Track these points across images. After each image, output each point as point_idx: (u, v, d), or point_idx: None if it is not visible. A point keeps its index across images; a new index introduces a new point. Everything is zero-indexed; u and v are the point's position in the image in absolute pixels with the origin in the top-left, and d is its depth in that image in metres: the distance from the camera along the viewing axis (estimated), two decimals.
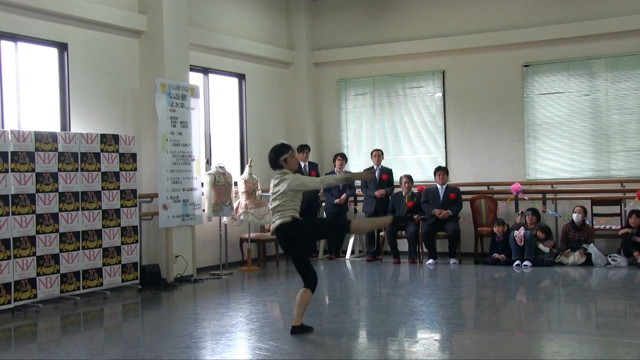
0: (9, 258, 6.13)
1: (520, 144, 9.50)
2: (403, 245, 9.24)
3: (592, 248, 8.31)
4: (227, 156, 9.47)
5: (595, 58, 9.12)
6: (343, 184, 5.12)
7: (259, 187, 9.03)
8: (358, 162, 10.38)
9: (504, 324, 5.61)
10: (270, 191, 5.07)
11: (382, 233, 9.34)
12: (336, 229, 5.64)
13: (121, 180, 7.22)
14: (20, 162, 6.26)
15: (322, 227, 5.45)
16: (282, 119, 10.53)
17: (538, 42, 9.38)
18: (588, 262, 8.26)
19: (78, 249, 6.78)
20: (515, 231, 8.53)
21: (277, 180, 5.03)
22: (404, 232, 9.08)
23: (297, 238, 4.95)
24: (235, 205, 8.64)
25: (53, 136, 6.59)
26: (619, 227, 8.58)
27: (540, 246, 8.46)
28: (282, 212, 4.94)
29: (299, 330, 5.01)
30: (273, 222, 4.99)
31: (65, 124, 7.26)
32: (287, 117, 10.59)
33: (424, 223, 8.96)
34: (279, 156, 5.02)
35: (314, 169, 9.56)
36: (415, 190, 9.36)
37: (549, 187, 9.21)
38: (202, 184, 8.28)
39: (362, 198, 9.72)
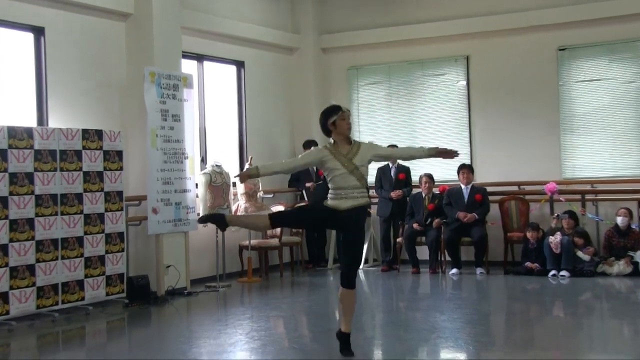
0: None
1: (555, 138, 9.46)
2: (423, 253, 9.21)
3: (639, 256, 8.23)
4: (225, 153, 9.46)
5: None
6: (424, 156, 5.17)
7: (260, 188, 9.05)
8: None
9: (539, 342, 5.57)
10: (330, 164, 4.79)
11: (399, 239, 9.30)
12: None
13: (105, 181, 7.23)
14: None
15: (356, 257, 5.06)
16: (285, 112, 10.53)
17: (575, 23, 9.34)
18: (635, 273, 8.19)
19: (57, 258, 6.77)
20: (551, 237, 8.50)
21: (339, 153, 4.79)
22: (423, 238, 9.08)
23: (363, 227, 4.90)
24: (233, 208, 8.66)
25: (28, 132, 6.58)
26: None
27: (579, 254, 8.42)
28: (360, 190, 4.80)
29: (347, 339, 4.97)
30: (351, 199, 4.76)
31: (42, 118, 7.26)
32: (291, 109, 10.59)
33: (446, 228, 8.95)
34: (327, 118, 4.86)
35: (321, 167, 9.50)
36: (436, 191, 9.35)
37: (588, 187, 9.16)
38: (197, 184, 8.29)
39: (375, 200, 9.68)
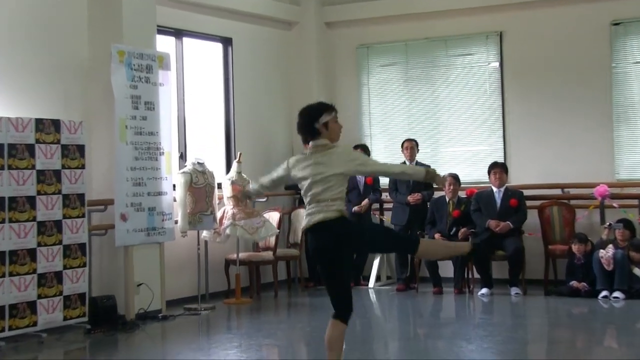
0: None
1: (607, 131, 9.43)
2: (446, 269, 9.19)
3: None
4: (208, 149, 9.48)
5: None
6: (421, 180, 5.10)
7: None
8: (384, 156, 10.36)
9: None
10: (297, 173, 4.80)
11: None
12: (401, 245, 5.31)
13: (64, 181, 7.20)
14: None
15: (385, 237, 5.04)
16: (282, 99, 10.52)
17: None
18: None
19: (3, 275, 6.73)
20: (601, 250, 8.45)
21: (311, 158, 4.76)
22: None
23: (344, 243, 4.67)
24: (219, 214, 8.67)
25: None
26: None
27: (636, 271, 8.38)
28: (324, 203, 4.68)
29: None
30: (308, 216, 4.74)
31: None
32: (289, 96, 10.58)
33: (474, 239, 8.92)
34: (315, 118, 4.75)
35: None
36: (462, 194, 9.34)
37: None
38: (175, 186, 8.30)
39: (389, 205, 9.64)
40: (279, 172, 4.98)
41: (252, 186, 5.37)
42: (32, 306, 6.90)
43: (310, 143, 4.79)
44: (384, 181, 9.74)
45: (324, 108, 4.81)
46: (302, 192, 4.84)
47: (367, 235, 4.90)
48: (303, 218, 4.97)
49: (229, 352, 6.38)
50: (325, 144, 4.75)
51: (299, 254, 9.64)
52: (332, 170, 4.69)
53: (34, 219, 6.93)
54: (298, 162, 4.82)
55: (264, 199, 9.42)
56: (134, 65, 7.78)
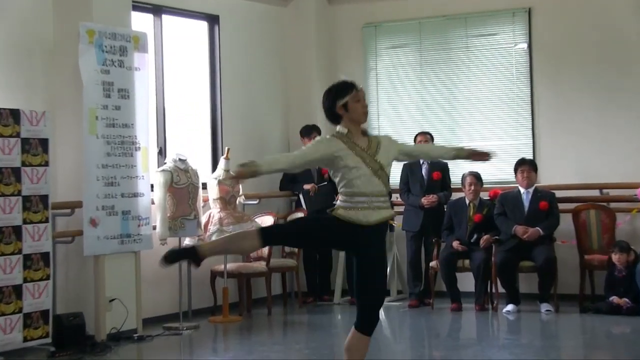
0: None
1: None
2: (466, 282, 9.20)
3: None
4: (192, 143, 9.49)
5: None
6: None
7: (240, 192, 9.05)
8: None
9: None
10: (345, 161, 4.86)
11: (433, 263, 9.31)
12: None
13: (24, 180, 7.17)
14: None
15: (378, 289, 5.08)
16: (277, 86, 10.53)
17: None
18: None
19: None
20: None
21: (352, 146, 4.87)
22: (467, 262, 9.09)
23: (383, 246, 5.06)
24: (203, 219, 8.69)
25: None
26: None
27: None
28: (383, 198, 4.91)
29: None
30: (363, 211, 4.83)
31: None
32: (284, 82, 10.59)
33: (499, 248, 8.93)
34: (333, 102, 4.92)
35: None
36: (485, 196, 9.37)
37: None
38: (153, 186, 8.32)
39: (400, 208, 9.64)
40: (316, 151, 4.93)
41: (266, 158, 5.17)
42: None
43: (338, 128, 4.93)
44: (394, 181, 9.69)
45: (342, 88, 4.92)
46: (338, 180, 4.90)
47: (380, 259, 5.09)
48: (346, 211, 4.85)
49: None
50: (353, 130, 4.89)
51: (296, 265, 9.63)
52: (388, 158, 4.95)
53: None
54: (343, 147, 4.86)
55: (255, 201, 9.51)
56: (106, 46, 7.78)
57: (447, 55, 10.30)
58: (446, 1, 10.27)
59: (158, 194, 8.25)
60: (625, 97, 9.53)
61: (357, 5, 10.69)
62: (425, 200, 9.29)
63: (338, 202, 4.91)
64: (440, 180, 9.45)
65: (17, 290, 7.08)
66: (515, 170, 9.12)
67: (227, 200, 8.82)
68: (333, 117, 4.95)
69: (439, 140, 9.91)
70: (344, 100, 4.88)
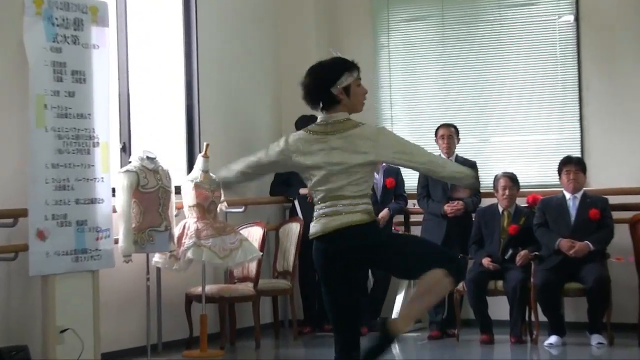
0: None
1: None
2: (499, 308, 9.19)
3: None
4: (163, 138, 9.58)
5: None
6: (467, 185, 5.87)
7: (222, 197, 9.06)
8: None
9: None
10: (303, 159, 5.07)
11: (458, 286, 9.14)
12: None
13: None
14: None
15: (425, 253, 5.18)
16: (266, 69, 10.66)
17: None
18: None
19: None
20: None
21: (326, 139, 5.03)
22: (500, 283, 9.10)
23: (368, 257, 5.04)
24: (177, 231, 8.74)
25: None
26: None
27: None
28: (347, 201, 4.97)
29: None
30: (322, 219, 5.01)
31: None
32: (276, 64, 10.74)
33: (539, 266, 8.92)
34: (332, 80, 5.02)
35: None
36: (522, 202, 9.36)
37: None
38: (114, 190, 8.35)
39: (418, 218, 9.71)
40: (269, 154, 5.21)
41: (223, 173, 5.40)
42: None
43: (322, 116, 5.04)
44: (411, 184, 9.77)
45: (344, 66, 5.01)
46: (309, 185, 5.05)
47: (399, 249, 5.08)
48: (311, 224, 5.07)
49: None
50: (344, 120, 4.99)
51: (290, 287, 9.61)
52: (358, 159, 4.91)
53: None
54: (303, 142, 5.03)
55: (241, 209, 9.56)
56: (57, 19, 7.74)
57: (474, 31, 10.39)
58: None
59: (121, 200, 8.27)
60: None
61: None
62: (448, 208, 9.32)
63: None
64: None
65: None
66: (560, 171, 9.12)
67: (205, 208, 8.82)
68: (325, 100, 5.02)
69: (465, 133, 9.96)
70: (347, 82, 4.99)
